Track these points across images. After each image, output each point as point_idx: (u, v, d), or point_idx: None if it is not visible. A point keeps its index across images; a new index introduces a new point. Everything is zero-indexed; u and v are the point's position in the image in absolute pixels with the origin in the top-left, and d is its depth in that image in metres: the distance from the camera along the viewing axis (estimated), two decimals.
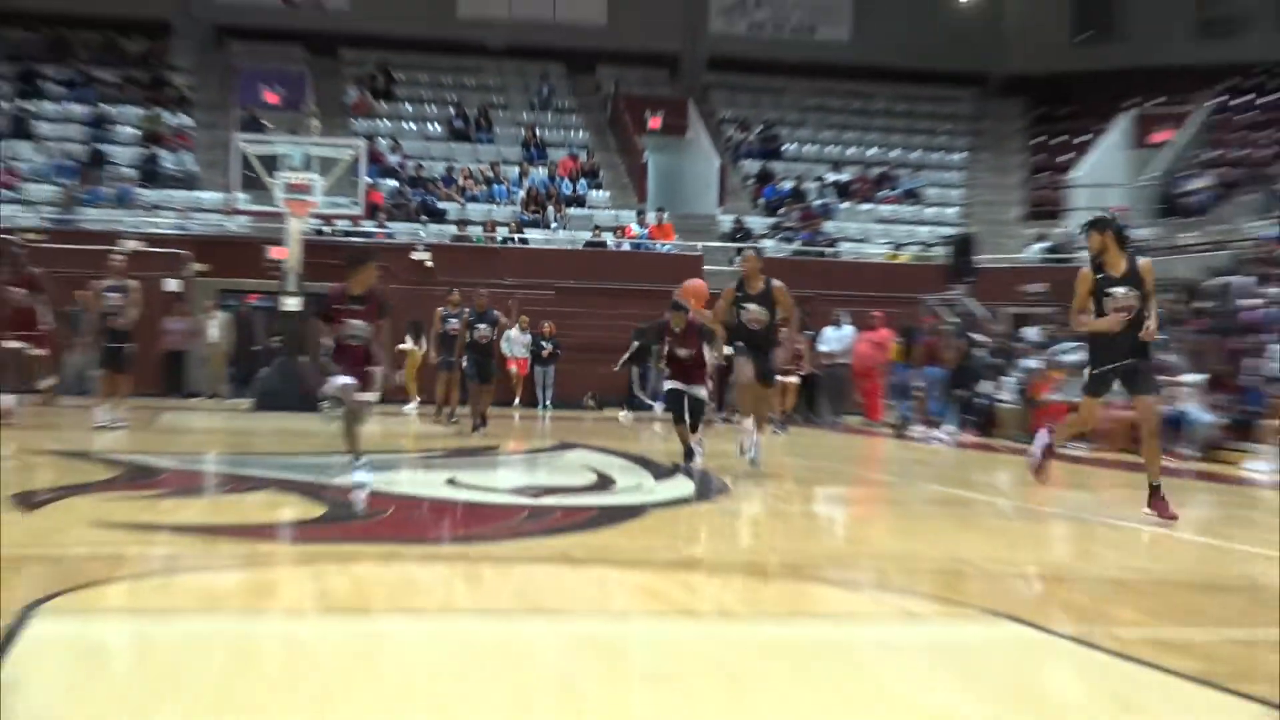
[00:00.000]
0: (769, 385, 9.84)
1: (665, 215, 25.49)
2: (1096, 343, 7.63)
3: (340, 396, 7.60)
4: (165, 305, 20.81)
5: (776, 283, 8.62)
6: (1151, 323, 7.42)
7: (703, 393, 9.50)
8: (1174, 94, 27.26)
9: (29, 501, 7.37)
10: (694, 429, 9.50)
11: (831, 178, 28.18)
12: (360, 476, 7.61)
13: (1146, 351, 7.49)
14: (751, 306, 9.05)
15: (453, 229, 24.72)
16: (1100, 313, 7.43)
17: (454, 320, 13.17)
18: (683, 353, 9.49)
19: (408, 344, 20.01)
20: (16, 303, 13.79)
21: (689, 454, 9.42)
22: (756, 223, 26.61)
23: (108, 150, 25.64)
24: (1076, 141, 28.19)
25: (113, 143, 26.00)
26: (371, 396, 7.80)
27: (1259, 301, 18.35)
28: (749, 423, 9.38)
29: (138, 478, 9.57)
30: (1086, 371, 8.03)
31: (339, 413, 7.69)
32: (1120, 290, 7.47)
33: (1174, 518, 7.28)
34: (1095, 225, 8.04)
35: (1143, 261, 7.71)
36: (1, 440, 11.68)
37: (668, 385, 10.44)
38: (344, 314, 7.74)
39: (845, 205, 27.01)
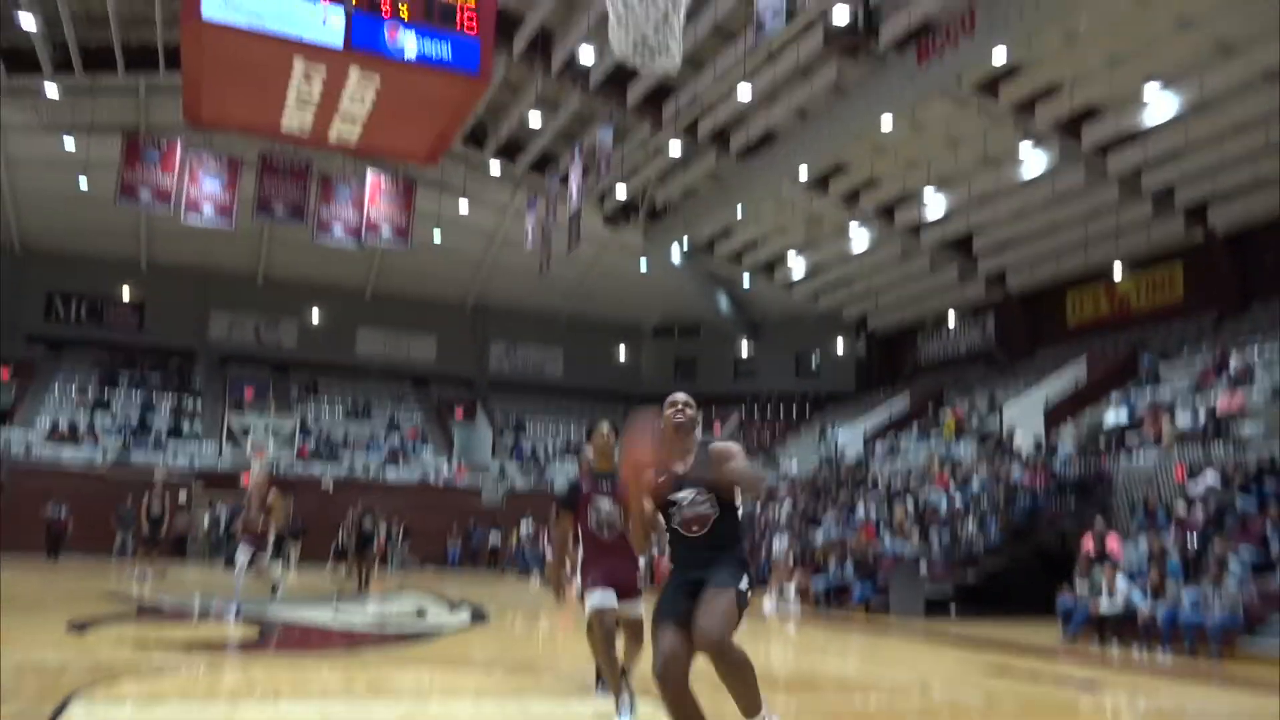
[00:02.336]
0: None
1: (463, 462, 29.61)
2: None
3: (595, 617, 4.62)
4: (177, 509, 22.33)
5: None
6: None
7: None
8: (721, 406, 31.57)
9: (78, 626, 8.27)
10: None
11: (553, 442, 31.87)
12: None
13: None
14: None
15: (345, 470, 27.58)
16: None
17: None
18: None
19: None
20: None
21: None
22: (511, 466, 29.91)
23: (151, 420, 28.16)
24: None
25: (155, 415, 28.38)
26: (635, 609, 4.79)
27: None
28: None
29: (150, 612, 10.15)
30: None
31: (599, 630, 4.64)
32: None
33: None
34: None
35: None
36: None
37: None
38: (594, 494, 4.97)
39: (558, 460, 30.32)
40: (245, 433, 26.36)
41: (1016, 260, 24.36)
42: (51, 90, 21.59)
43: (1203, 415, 15.60)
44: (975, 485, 17.17)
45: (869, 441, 24.76)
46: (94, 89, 22.31)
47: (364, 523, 15.37)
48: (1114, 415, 17.70)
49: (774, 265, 29.06)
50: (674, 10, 3.18)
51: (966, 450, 20.58)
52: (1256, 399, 15.30)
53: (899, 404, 26.77)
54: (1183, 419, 15.89)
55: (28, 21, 18.61)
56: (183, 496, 24.48)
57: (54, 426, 26.95)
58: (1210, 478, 13.06)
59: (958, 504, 16.62)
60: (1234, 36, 15.85)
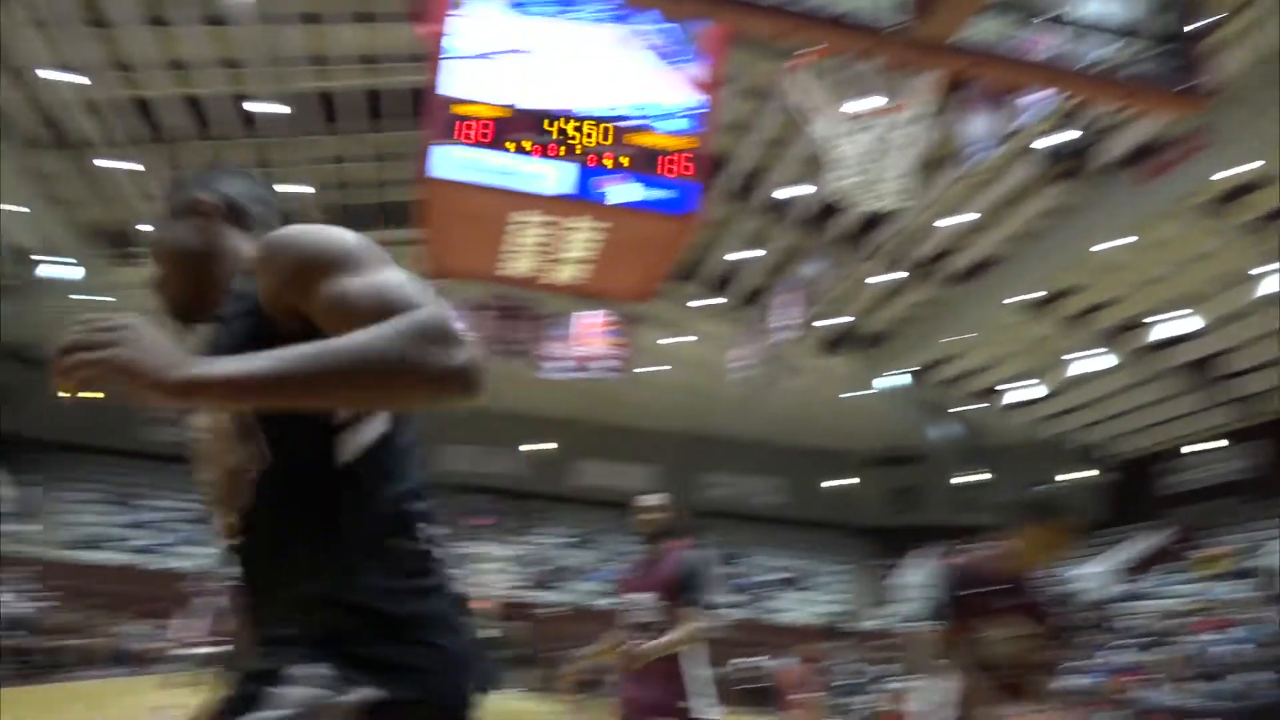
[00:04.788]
0: None
1: None
2: None
3: None
4: None
5: None
6: None
7: None
8: (947, 539, 35.55)
9: None
10: None
11: (769, 574, 32.42)
12: None
13: None
14: None
15: (568, 598, 28.61)
16: None
17: None
18: None
19: None
20: None
21: None
22: (727, 598, 28.20)
23: None
24: (892, 562, 29.49)
25: None
26: None
27: None
28: None
29: None
30: None
31: None
32: None
33: None
34: None
35: None
36: None
37: None
38: (995, 610, 3.06)
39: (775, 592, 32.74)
40: (474, 560, 27.24)
41: (1264, 386, 22.17)
42: None
43: None
44: (1244, 630, 15.34)
45: (1112, 580, 22.73)
46: None
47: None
48: None
49: (999, 392, 27.77)
50: (899, 150, 3.15)
51: (1229, 592, 18.51)
52: None
53: (1144, 540, 24.57)
54: None
55: (302, 189, 20.71)
56: None
57: None
58: None
59: (1227, 651, 14.87)
60: None
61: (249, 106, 18.39)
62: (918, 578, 29.72)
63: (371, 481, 1.36)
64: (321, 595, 1.32)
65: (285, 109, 18.02)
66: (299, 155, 19.83)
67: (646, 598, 3.98)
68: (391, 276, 1.30)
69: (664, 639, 3.72)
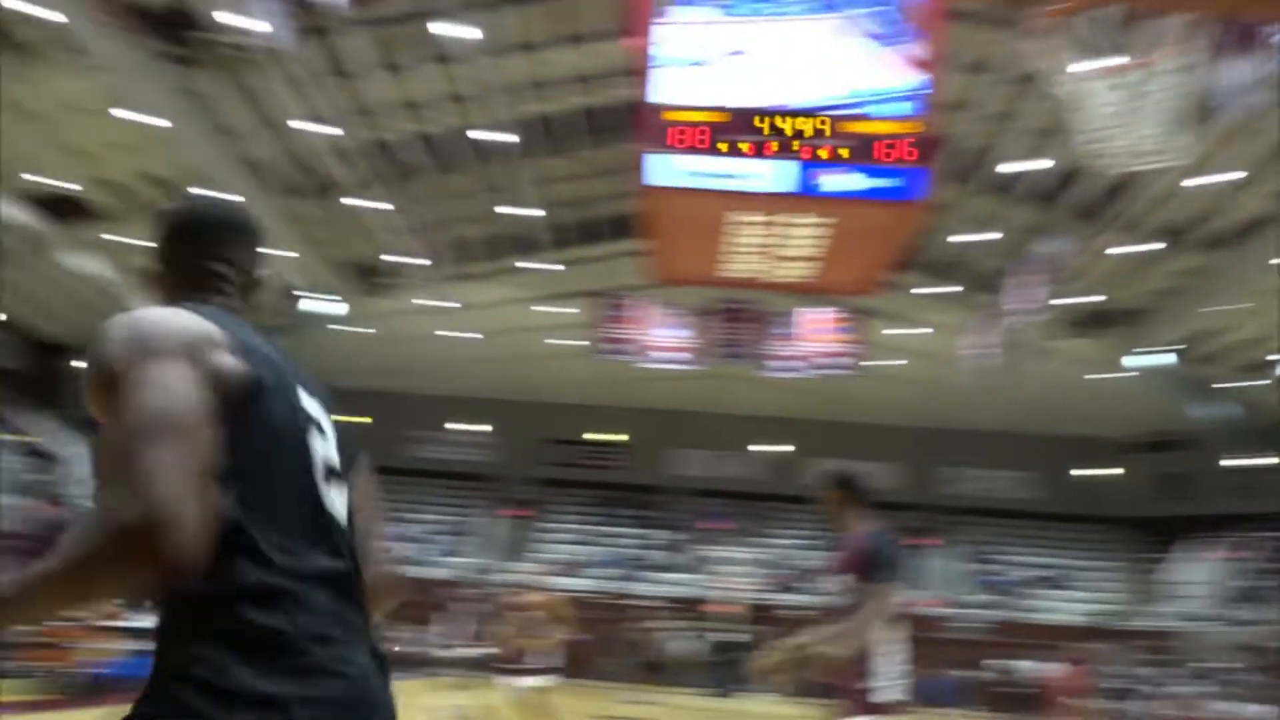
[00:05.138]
0: None
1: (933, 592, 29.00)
2: None
3: None
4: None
5: None
6: None
7: None
8: (1223, 528, 28.33)
9: None
10: None
11: (1024, 571, 31.66)
12: None
13: None
14: None
15: (809, 600, 27.56)
16: None
17: None
18: None
19: None
20: None
21: None
22: (981, 597, 29.07)
23: (630, 551, 30.55)
24: (1162, 555, 29.32)
25: (630, 547, 30.69)
26: None
27: None
28: None
29: None
30: None
31: None
32: None
33: None
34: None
35: None
36: None
37: None
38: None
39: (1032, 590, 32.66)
40: (716, 564, 27.50)
41: None
42: (556, 265, 24.80)
43: None
44: None
45: None
46: (579, 260, 25.34)
47: None
48: None
49: (1274, 364, 25.13)
50: (1156, 105, 2.84)
51: None
52: None
53: None
54: None
55: (534, 212, 21.63)
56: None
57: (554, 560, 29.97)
58: None
59: None
60: None
61: (476, 136, 19.41)
62: (1194, 572, 27.38)
63: (221, 558, 1.34)
64: (166, 668, 1.38)
65: (511, 136, 18.89)
66: (525, 178, 20.72)
67: (841, 580, 4.10)
68: (141, 419, 1.29)
69: (851, 622, 3.83)
